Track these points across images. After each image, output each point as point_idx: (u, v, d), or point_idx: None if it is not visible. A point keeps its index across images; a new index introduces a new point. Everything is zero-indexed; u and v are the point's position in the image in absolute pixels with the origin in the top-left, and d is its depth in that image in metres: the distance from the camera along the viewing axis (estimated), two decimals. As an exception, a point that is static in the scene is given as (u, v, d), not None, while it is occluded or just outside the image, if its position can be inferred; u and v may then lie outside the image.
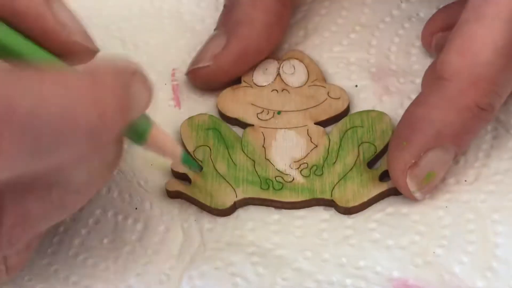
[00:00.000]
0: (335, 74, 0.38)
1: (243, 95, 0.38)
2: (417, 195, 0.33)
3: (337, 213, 0.34)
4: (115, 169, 0.30)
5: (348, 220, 0.34)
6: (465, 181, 0.35)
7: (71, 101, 0.26)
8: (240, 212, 0.35)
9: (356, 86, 0.38)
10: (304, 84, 0.38)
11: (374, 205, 0.34)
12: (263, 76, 0.38)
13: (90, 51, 0.31)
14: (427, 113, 0.32)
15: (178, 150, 0.31)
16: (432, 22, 0.37)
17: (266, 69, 0.38)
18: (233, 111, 0.37)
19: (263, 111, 0.37)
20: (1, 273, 0.30)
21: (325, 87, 0.37)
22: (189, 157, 0.33)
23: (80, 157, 0.27)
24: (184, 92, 0.39)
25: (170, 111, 0.38)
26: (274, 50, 0.38)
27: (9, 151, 0.25)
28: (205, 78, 0.37)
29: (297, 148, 0.36)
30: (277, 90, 0.38)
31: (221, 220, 0.35)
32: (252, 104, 0.37)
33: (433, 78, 0.33)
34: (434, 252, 0.33)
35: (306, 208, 0.35)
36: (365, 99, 0.38)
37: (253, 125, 0.37)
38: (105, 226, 0.35)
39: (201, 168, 0.35)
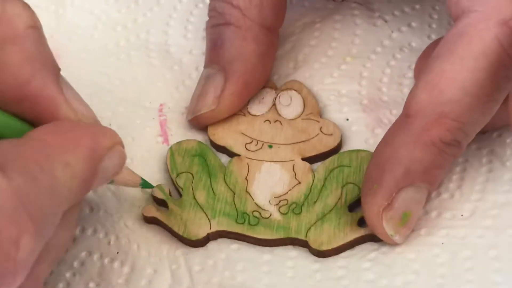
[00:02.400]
0: (326, 107, 0.38)
1: (235, 123, 0.37)
2: (396, 238, 0.32)
3: (330, 252, 0.33)
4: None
5: (342, 260, 0.33)
6: (462, 215, 0.34)
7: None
8: (230, 252, 0.34)
9: (348, 119, 0.37)
10: (298, 117, 0.37)
11: (368, 244, 0.33)
12: (258, 106, 0.37)
13: None
14: (394, 152, 0.32)
15: (138, 179, 0.34)
16: (425, 55, 0.37)
17: (263, 98, 0.37)
18: (222, 139, 0.37)
19: (252, 141, 0.36)
20: None
21: (318, 122, 0.37)
22: (146, 182, 0.34)
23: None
24: (172, 127, 0.38)
25: (158, 148, 0.37)
26: (269, 76, 0.38)
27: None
28: (209, 121, 0.37)
29: (280, 183, 0.35)
30: (269, 121, 0.37)
31: (210, 261, 0.34)
32: (242, 133, 0.37)
33: (400, 116, 0.33)
34: (431, 292, 0.32)
35: (298, 248, 0.34)
36: (357, 132, 0.37)
37: (239, 155, 0.36)
38: (90, 269, 0.34)
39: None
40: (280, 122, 0.37)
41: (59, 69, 0.31)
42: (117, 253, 0.34)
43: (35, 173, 0.26)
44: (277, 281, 0.33)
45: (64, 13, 0.42)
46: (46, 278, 0.31)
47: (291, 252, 0.34)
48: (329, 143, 0.36)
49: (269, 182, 0.35)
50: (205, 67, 0.38)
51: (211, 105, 0.36)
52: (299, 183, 0.35)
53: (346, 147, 0.36)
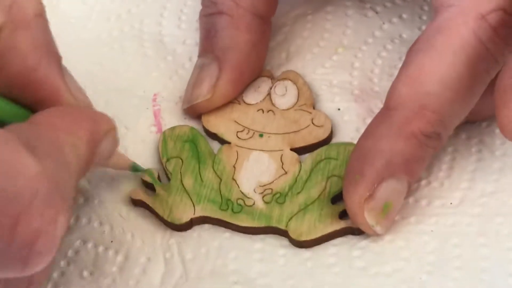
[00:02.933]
0: (318, 97, 0.38)
1: (229, 111, 0.37)
2: (377, 229, 0.33)
3: (321, 239, 0.34)
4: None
5: (333, 247, 0.34)
6: (451, 203, 0.34)
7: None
8: (222, 240, 0.34)
9: (339, 109, 0.38)
10: (292, 107, 0.37)
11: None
12: (253, 94, 0.38)
13: None
14: (376, 144, 0.32)
15: (129, 163, 0.34)
16: None
17: (259, 87, 0.38)
18: (215, 126, 0.37)
19: (244, 130, 0.37)
20: None
21: (310, 113, 0.37)
22: (137, 166, 0.35)
23: None
24: (166, 117, 0.38)
25: (152, 137, 0.37)
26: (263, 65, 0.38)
27: None
28: (205, 110, 0.37)
29: (266, 173, 0.35)
30: (263, 110, 0.37)
31: (203, 249, 0.34)
32: (235, 121, 0.37)
33: (382, 108, 0.33)
34: (420, 279, 0.32)
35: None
36: (349, 122, 0.37)
37: (230, 143, 0.36)
38: (85, 257, 0.34)
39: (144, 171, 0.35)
40: (273, 111, 0.37)
41: (61, 57, 0.32)
42: (111, 242, 0.34)
43: (56, 154, 0.27)
44: (269, 269, 0.33)
45: (57, 4, 0.42)
46: None
47: (283, 241, 0.34)
48: (319, 135, 0.36)
49: (256, 170, 0.35)
50: (199, 56, 0.38)
51: (206, 94, 0.37)
52: (285, 173, 0.35)
53: (337, 136, 0.37)
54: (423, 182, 0.35)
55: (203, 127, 0.37)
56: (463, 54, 0.31)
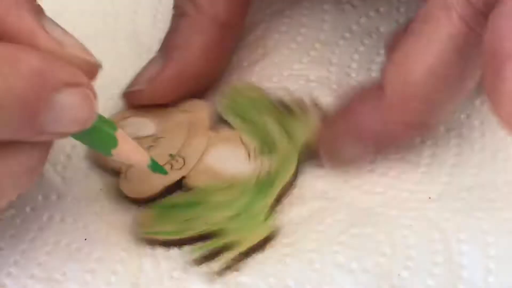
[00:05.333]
0: (296, 91, 0.38)
1: None
2: (326, 165, 0.35)
3: (300, 237, 0.33)
4: (34, 174, 0.29)
5: (312, 243, 0.33)
6: (429, 198, 0.34)
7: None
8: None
9: (317, 105, 0.37)
10: None
11: (337, 225, 0.33)
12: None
13: (90, 64, 0.30)
14: (359, 114, 0.33)
15: (145, 158, 0.32)
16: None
17: None
18: None
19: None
20: None
21: None
22: (156, 164, 0.32)
23: None
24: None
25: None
26: (217, 74, 0.38)
27: None
28: (139, 102, 0.37)
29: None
30: None
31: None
32: None
33: (379, 82, 0.33)
34: (399, 275, 0.32)
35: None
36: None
37: None
38: (58, 256, 0.33)
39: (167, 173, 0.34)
40: None
41: (42, 10, 0.30)
42: (85, 239, 0.34)
43: None
44: (247, 267, 0.33)
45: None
46: None
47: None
48: None
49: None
50: (156, 53, 0.38)
51: (141, 85, 0.36)
52: None
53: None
54: (403, 176, 0.35)
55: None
56: (451, 41, 0.31)
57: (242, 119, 0.36)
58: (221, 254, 0.33)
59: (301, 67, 0.39)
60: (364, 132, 0.33)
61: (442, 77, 0.31)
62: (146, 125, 0.36)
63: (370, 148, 0.34)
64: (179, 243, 0.33)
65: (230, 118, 0.37)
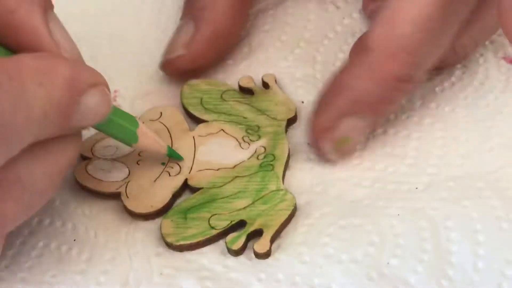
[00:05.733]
0: (282, 89, 0.38)
1: None
2: (332, 156, 0.35)
3: (288, 229, 0.33)
4: (68, 171, 0.31)
5: (301, 236, 0.33)
6: (416, 188, 0.34)
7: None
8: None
9: (303, 102, 0.37)
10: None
11: (326, 218, 0.34)
12: None
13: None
14: (348, 80, 0.34)
15: (164, 147, 0.34)
16: None
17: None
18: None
19: None
20: None
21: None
22: (173, 151, 0.35)
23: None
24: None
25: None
26: (242, 30, 0.38)
27: None
28: (181, 68, 0.37)
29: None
30: None
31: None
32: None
33: (360, 48, 0.34)
34: (388, 263, 0.32)
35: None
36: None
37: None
38: (48, 259, 0.33)
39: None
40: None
41: (51, 6, 0.31)
42: (74, 240, 0.34)
43: (1, 80, 0.27)
44: (238, 263, 0.33)
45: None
46: (14, 227, 0.30)
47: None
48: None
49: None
50: (180, 19, 0.38)
51: (180, 50, 0.37)
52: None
53: (302, 128, 0.36)
54: (390, 169, 0.35)
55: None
56: None
57: (215, 113, 0.37)
58: (252, 241, 0.33)
59: (286, 65, 0.39)
60: (359, 99, 0.33)
61: (426, 30, 0.33)
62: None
63: (368, 120, 0.34)
64: (209, 242, 0.33)
65: (203, 115, 0.37)
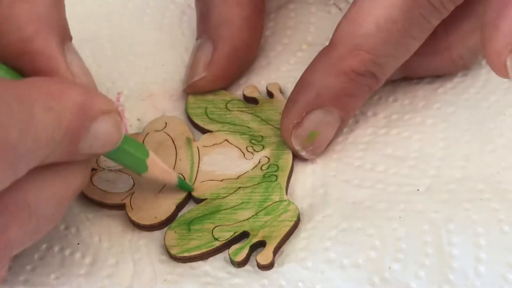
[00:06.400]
0: (284, 94, 0.38)
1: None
2: (303, 154, 0.35)
3: (290, 237, 0.33)
4: (75, 197, 0.31)
5: (303, 241, 0.33)
6: (418, 190, 0.34)
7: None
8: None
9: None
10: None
11: (327, 220, 0.34)
12: None
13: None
14: (310, 76, 0.35)
15: (174, 177, 0.34)
16: None
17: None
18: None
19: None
20: None
21: None
22: (183, 182, 0.35)
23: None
24: (131, 117, 0.38)
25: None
26: (259, 43, 0.39)
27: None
28: (203, 89, 0.38)
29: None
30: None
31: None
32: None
33: (326, 45, 0.35)
34: (390, 268, 0.32)
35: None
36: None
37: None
38: (51, 261, 0.33)
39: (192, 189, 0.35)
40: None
41: (70, 37, 0.32)
42: (78, 244, 0.34)
43: (11, 103, 0.27)
44: (240, 269, 0.33)
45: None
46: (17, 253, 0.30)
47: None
48: None
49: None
50: (196, 39, 0.38)
51: (202, 72, 0.37)
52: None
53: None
54: (391, 170, 0.35)
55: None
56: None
57: (219, 123, 0.37)
58: (255, 252, 0.33)
59: (289, 69, 0.39)
60: (320, 92, 0.34)
61: (388, 31, 0.33)
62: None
63: (335, 114, 0.34)
64: (212, 254, 0.33)
65: (208, 125, 0.37)
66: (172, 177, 0.34)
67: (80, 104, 0.29)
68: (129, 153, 0.33)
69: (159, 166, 0.33)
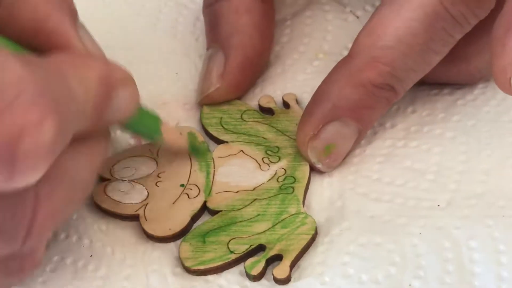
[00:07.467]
0: (301, 104, 0.37)
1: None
2: (319, 166, 0.35)
3: (308, 249, 0.33)
4: (101, 162, 0.31)
5: (321, 255, 0.33)
6: (438, 205, 0.33)
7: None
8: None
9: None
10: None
11: (345, 234, 0.33)
12: None
13: None
14: (328, 87, 0.34)
15: (185, 145, 0.35)
16: None
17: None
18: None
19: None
20: (14, 271, 0.30)
21: None
22: (195, 146, 0.35)
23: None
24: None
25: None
26: (270, 50, 0.38)
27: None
28: (218, 100, 0.37)
29: None
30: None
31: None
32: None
33: (345, 56, 0.35)
34: (410, 285, 0.31)
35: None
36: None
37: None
38: (63, 273, 0.33)
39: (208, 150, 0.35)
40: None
41: (76, 13, 0.32)
42: (91, 256, 0.33)
43: (55, 75, 0.27)
44: (255, 283, 0.32)
45: None
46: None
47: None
48: None
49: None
50: (207, 49, 0.38)
51: (216, 83, 0.37)
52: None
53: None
54: (410, 184, 0.34)
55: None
56: (421, 10, 0.33)
57: (234, 133, 0.36)
58: (271, 266, 0.32)
59: (305, 78, 0.38)
60: (338, 104, 0.34)
61: (409, 45, 0.33)
62: (145, 163, 0.36)
63: (352, 126, 0.34)
64: (227, 267, 0.33)
65: (223, 135, 0.36)
66: (183, 143, 0.35)
67: (103, 75, 0.30)
68: (145, 119, 0.33)
69: (171, 130, 0.34)
